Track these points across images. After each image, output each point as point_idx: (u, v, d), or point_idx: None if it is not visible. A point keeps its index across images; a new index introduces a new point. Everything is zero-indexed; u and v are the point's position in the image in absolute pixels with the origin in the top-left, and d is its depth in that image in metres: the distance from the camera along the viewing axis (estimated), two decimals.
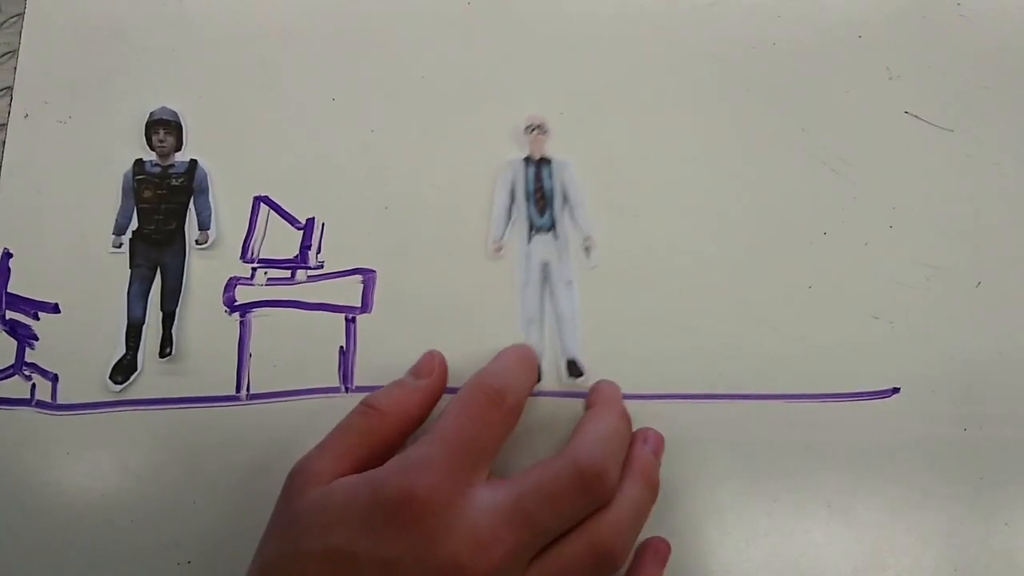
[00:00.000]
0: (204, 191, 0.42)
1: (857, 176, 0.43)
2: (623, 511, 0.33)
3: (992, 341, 0.41)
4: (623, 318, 0.41)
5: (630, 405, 0.39)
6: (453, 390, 0.39)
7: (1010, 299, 0.41)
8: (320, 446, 0.35)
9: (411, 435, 0.36)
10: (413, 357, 0.40)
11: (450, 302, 0.41)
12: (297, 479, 0.33)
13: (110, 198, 0.42)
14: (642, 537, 0.37)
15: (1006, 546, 0.39)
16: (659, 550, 0.37)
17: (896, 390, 0.40)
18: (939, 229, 0.42)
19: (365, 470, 0.34)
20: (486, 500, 0.31)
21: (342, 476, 0.33)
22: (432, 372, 0.37)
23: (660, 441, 0.37)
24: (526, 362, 0.37)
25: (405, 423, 0.36)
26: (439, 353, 0.39)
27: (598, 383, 0.39)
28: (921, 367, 0.40)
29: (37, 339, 0.40)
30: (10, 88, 0.43)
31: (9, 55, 0.43)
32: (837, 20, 0.45)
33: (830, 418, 0.40)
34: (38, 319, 0.40)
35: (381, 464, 0.35)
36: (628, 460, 0.35)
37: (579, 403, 0.40)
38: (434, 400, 0.37)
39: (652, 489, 0.35)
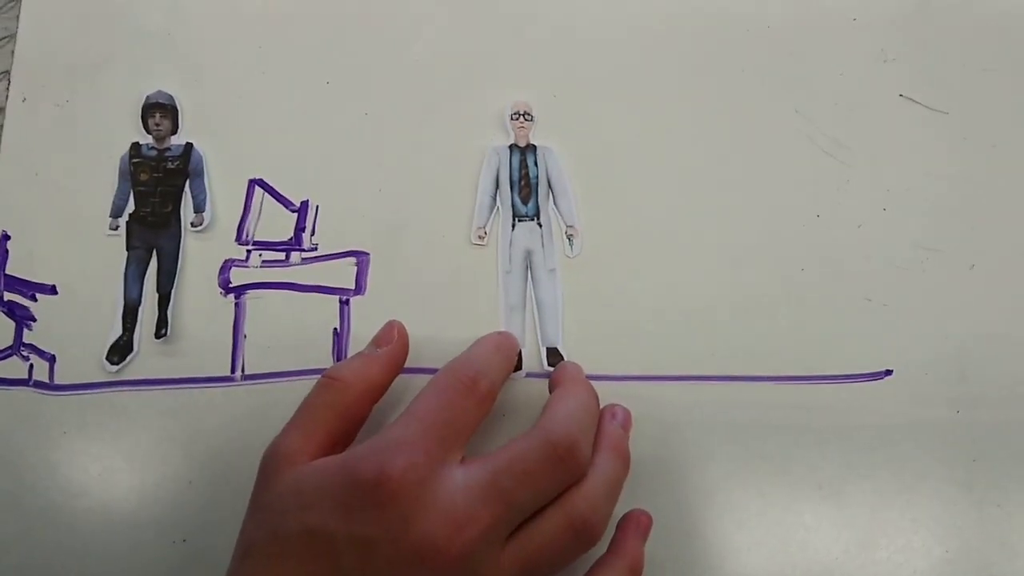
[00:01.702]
0: (200, 174, 0.42)
1: (851, 158, 0.43)
2: (597, 484, 0.33)
3: (985, 323, 0.41)
4: (610, 305, 0.41)
5: (619, 387, 0.40)
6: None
7: (1003, 281, 0.41)
8: (288, 426, 0.35)
9: (376, 403, 0.36)
10: None
11: (443, 284, 0.41)
12: (271, 462, 0.33)
13: (107, 181, 0.42)
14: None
15: (998, 528, 0.39)
16: (640, 523, 0.37)
17: (889, 372, 0.40)
18: (933, 212, 0.42)
19: (336, 444, 0.34)
20: (460, 479, 0.31)
21: (314, 454, 0.33)
22: (392, 340, 0.38)
23: (628, 416, 0.37)
24: (503, 349, 0.37)
25: (369, 391, 0.36)
26: (399, 323, 0.39)
27: (562, 364, 0.39)
28: (914, 349, 0.40)
29: (35, 320, 0.40)
30: (8, 72, 0.43)
31: (7, 39, 0.44)
32: (832, 2, 0.45)
33: (822, 400, 0.40)
34: (36, 300, 0.41)
35: (351, 436, 0.35)
36: (599, 435, 0.36)
37: None
38: (396, 367, 0.37)
39: (624, 462, 0.35)
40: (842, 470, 0.39)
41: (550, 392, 0.37)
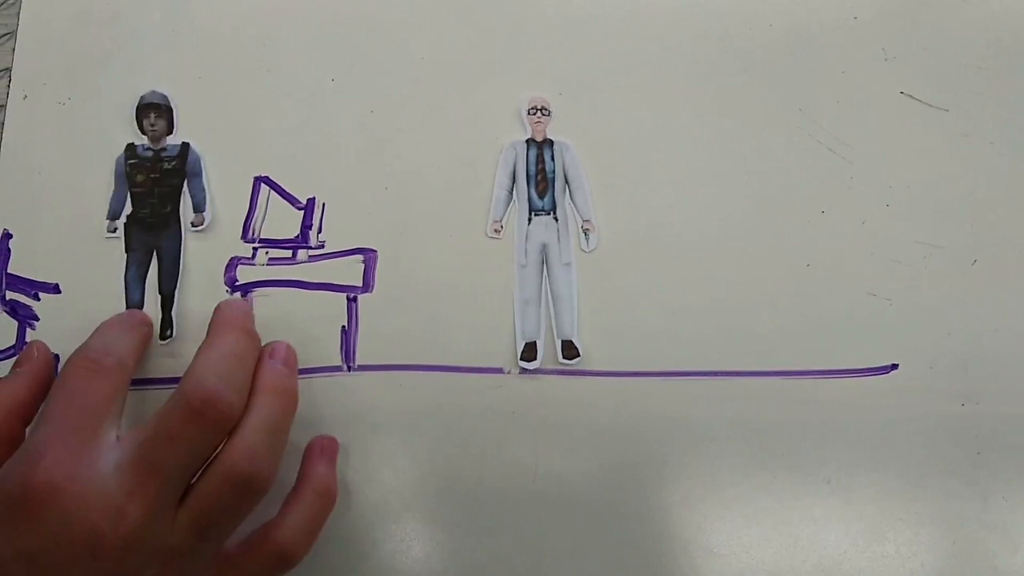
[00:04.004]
0: (197, 174, 0.42)
1: (854, 155, 0.43)
2: (254, 430, 0.33)
3: (989, 317, 0.41)
4: (622, 299, 0.41)
5: (628, 383, 0.40)
6: (446, 368, 0.40)
7: (1006, 276, 0.42)
8: None
9: (27, 421, 0.35)
10: (415, 335, 0.40)
11: (450, 281, 0.41)
12: None
13: (109, 178, 0.42)
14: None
15: (1003, 520, 0.39)
16: (323, 447, 0.37)
17: (894, 366, 0.41)
18: (935, 208, 0.42)
19: None
20: (111, 461, 0.31)
21: None
22: (32, 359, 0.37)
23: (290, 353, 0.37)
24: (125, 324, 0.37)
25: (14, 408, 0.35)
26: (40, 342, 0.38)
27: (220, 305, 0.38)
28: (919, 344, 0.41)
29: (38, 319, 0.40)
30: (9, 70, 0.43)
31: (7, 36, 0.43)
32: (833, 1, 0.45)
33: (829, 394, 0.40)
34: (39, 299, 0.40)
35: (5, 456, 0.33)
36: (256, 376, 0.35)
37: (576, 382, 0.40)
38: (39, 383, 0.36)
39: (285, 399, 0.35)
40: (849, 464, 0.40)
41: None
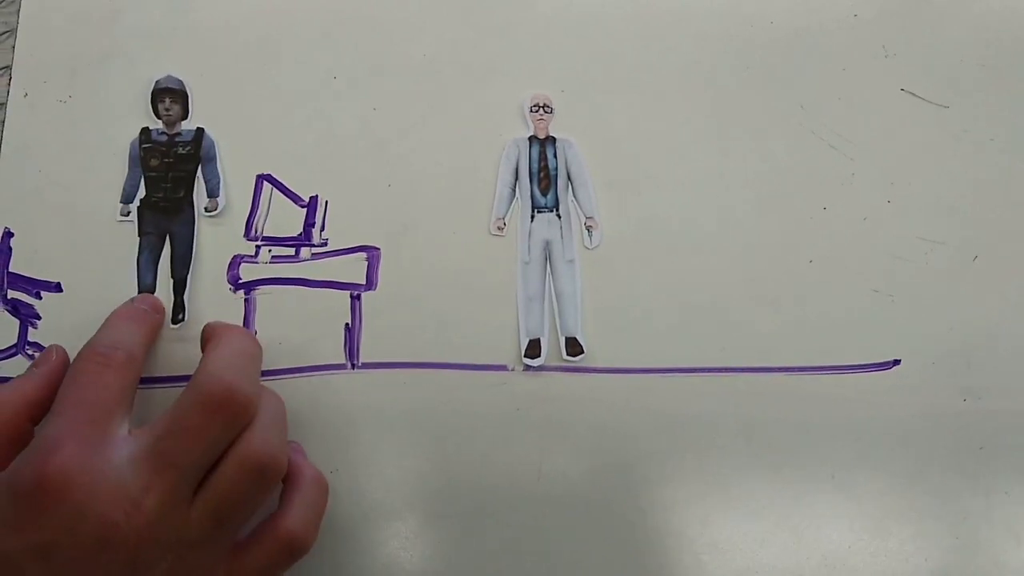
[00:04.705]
0: (212, 159, 0.42)
1: (855, 152, 0.43)
2: (265, 420, 0.34)
3: (990, 313, 0.41)
4: (626, 295, 0.41)
5: (633, 380, 0.40)
6: (449, 365, 0.40)
7: (1007, 272, 0.42)
8: None
9: (36, 420, 0.35)
10: (418, 333, 0.40)
11: (454, 279, 0.41)
12: None
13: (111, 176, 0.41)
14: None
15: (1005, 515, 0.39)
16: (295, 447, 0.38)
17: (897, 362, 0.41)
18: (936, 204, 0.43)
19: None
20: (125, 453, 0.31)
21: None
22: (49, 360, 0.37)
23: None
24: (136, 315, 0.38)
25: (24, 407, 0.35)
26: (59, 346, 0.38)
27: (208, 324, 0.38)
28: (921, 339, 0.41)
29: (39, 318, 0.40)
30: (9, 67, 0.43)
31: (8, 34, 0.43)
32: None
33: (832, 391, 0.40)
34: (40, 298, 0.40)
35: (12, 453, 0.33)
36: None
37: (580, 379, 0.40)
38: (50, 384, 0.36)
39: (278, 396, 0.36)
40: (852, 460, 0.40)
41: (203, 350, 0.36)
